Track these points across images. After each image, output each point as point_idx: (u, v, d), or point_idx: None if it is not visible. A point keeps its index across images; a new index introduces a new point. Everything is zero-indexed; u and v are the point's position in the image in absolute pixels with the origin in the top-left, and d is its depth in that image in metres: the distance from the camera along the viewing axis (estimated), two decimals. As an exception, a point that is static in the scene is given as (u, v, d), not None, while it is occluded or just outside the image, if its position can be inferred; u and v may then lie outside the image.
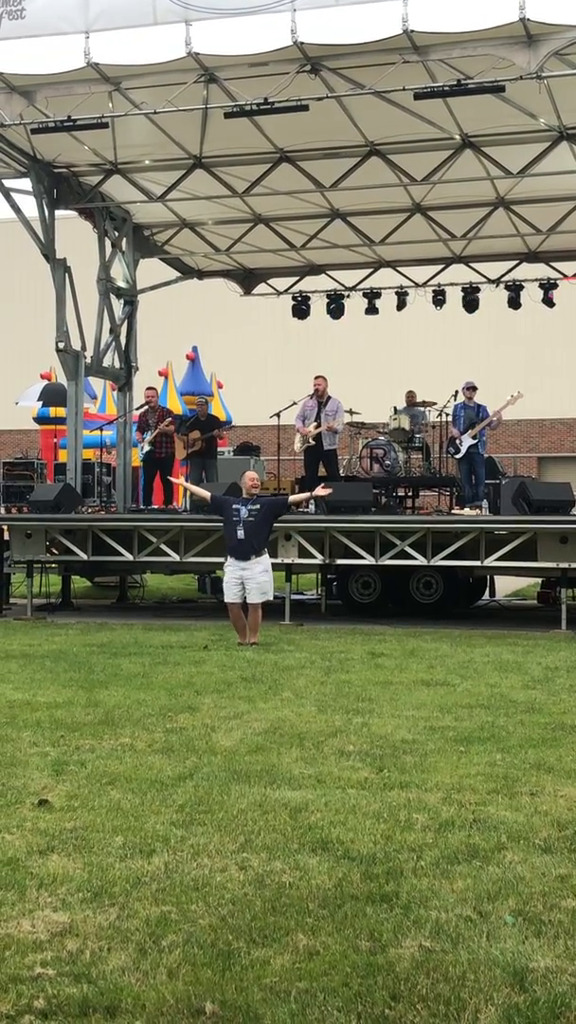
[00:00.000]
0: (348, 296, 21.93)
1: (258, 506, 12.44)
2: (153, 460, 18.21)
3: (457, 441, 17.02)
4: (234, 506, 12.46)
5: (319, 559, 15.09)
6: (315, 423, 16.79)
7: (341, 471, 17.88)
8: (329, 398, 16.95)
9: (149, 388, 18.94)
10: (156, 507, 18.16)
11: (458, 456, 17.13)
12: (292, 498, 12.90)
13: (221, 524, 12.94)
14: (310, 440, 16.85)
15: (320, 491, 13.14)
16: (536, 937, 4.01)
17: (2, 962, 3.81)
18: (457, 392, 17.46)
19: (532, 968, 3.73)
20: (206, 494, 13.31)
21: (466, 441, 16.89)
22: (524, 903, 4.31)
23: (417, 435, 18.64)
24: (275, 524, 13.16)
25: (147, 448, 17.98)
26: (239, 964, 3.78)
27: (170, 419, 18.28)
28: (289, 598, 14.88)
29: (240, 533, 12.30)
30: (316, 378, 17.09)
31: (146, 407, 18.45)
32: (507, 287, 21.18)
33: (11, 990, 3.60)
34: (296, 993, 3.56)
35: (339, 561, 15.31)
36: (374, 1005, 3.49)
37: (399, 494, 18.84)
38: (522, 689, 9.28)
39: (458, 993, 3.56)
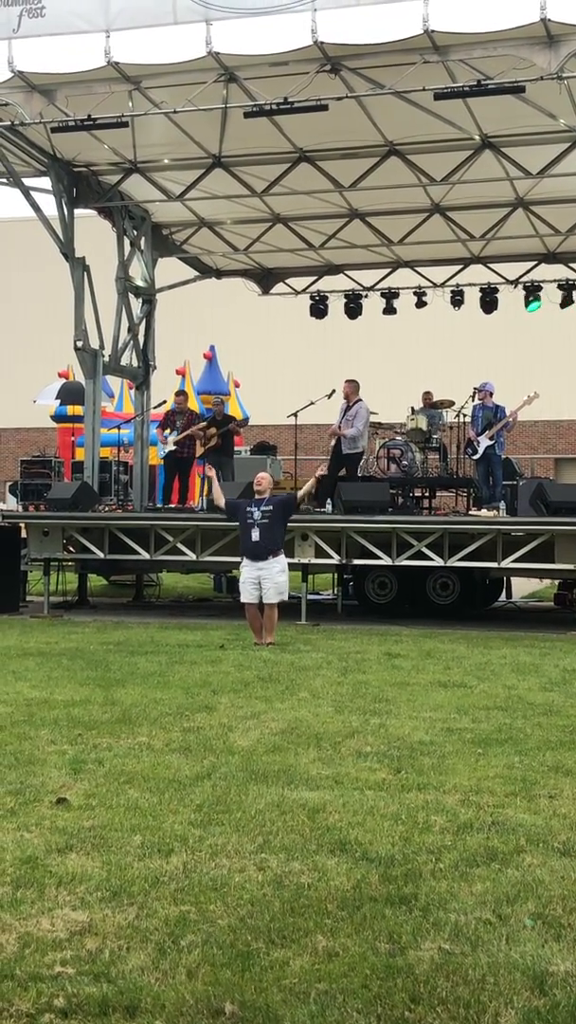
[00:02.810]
0: (366, 296, 21.92)
1: (271, 507, 12.43)
2: (175, 460, 18.29)
3: (475, 442, 16.99)
4: (248, 508, 12.47)
5: (336, 559, 15.09)
6: (336, 427, 16.98)
7: (358, 471, 17.87)
8: (357, 402, 16.96)
9: (180, 393, 19.10)
10: (173, 506, 18.19)
11: (476, 457, 17.10)
12: (299, 495, 12.90)
13: (237, 525, 12.95)
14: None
15: (313, 480, 13.20)
16: (556, 941, 3.99)
17: (22, 960, 3.82)
18: (474, 393, 17.44)
19: (552, 972, 3.72)
20: (221, 501, 13.25)
21: (483, 442, 16.85)
22: (543, 906, 4.30)
23: (434, 436, 18.61)
24: (292, 524, 13.17)
25: (171, 447, 18.03)
26: (258, 965, 3.78)
27: (206, 423, 18.31)
28: (305, 598, 14.88)
29: (255, 535, 12.31)
30: (345, 382, 17.17)
31: (175, 410, 18.55)
32: (525, 288, 21.12)
33: (31, 988, 3.61)
34: (315, 994, 3.56)
35: (356, 561, 15.32)
36: (393, 1007, 3.49)
37: (416, 494, 18.81)
38: (540, 691, 9.27)
39: (478, 996, 3.55)
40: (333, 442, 16.96)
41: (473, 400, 17.50)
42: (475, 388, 17.43)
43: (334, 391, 17.19)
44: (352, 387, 17.05)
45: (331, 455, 17.13)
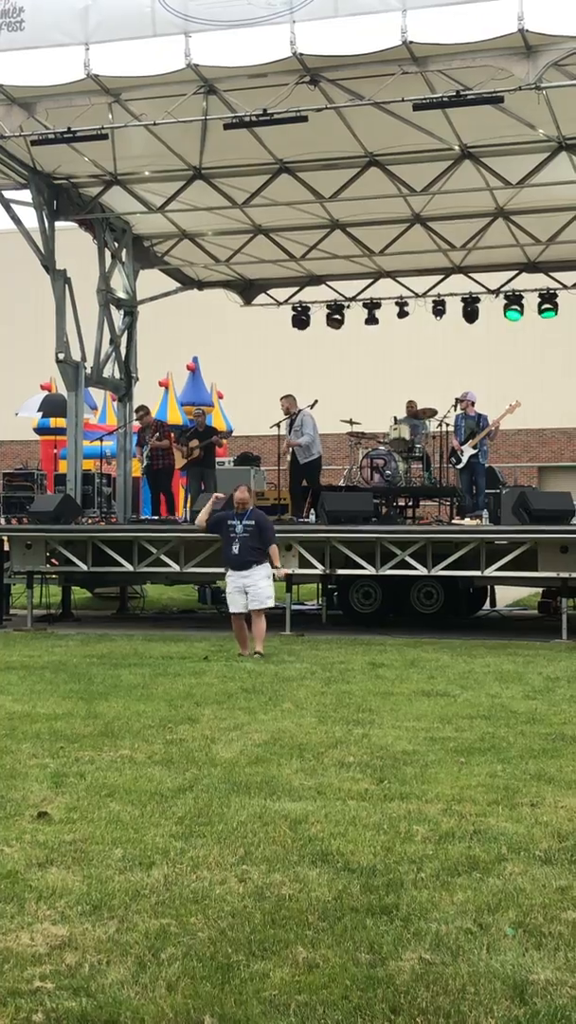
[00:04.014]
0: (348, 306, 21.96)
1: (252, 522, 12.42)
2: (153, 473, 18.67)
3: (458, 451, 17.04)
4: (229, 522, 12.46)
5: (320, 569, 15.08)
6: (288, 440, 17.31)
7: (342, 481, 17.93)
8: (299, 412, 17.15)
9: (139, 409, 19.22)
10: (156, 517, 18.22)
11: (459, 466, 17.13)
12: (272, 552, 12.61)
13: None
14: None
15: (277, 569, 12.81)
16: (536, 949, 3.99)
17: (1, 975, 3.80)
18: (456, 402, 17.49)
19: (532, 980, 3.72)
20: (203, 517, 13.17)
21: (467, 451, 16.91)
22: (524, 915, 4.30)
23: (417, 445, 18.65)
24: (275, 534, 13.13)
25: (145, 463, 18.40)
26: (238, 977, 3.77)
27: (158, 435, 18.58)
28: (290, 608, 14.86)
29: (236, 548, 12.31)
30: (280, 399, 17.38)
31: (141, 426, 18.82)
32: (507, 297, 21.19)
33: (10, 1004, 3.59)
34: (295, 1006, 3.55)
35: (340, 571, 15.30)
36: (374, 1018, 3.48)
37: (399, 504, 18.84)
38: (523, 699, 9.27)
39: (458, 1006, 3.55)
40: (288, 456, 17.13)
41: (455, 409, 17.55)
42: (456, 398, 17.48)
43: (316, 401, 17.25)
44: (289, 401, 17.41)
45: (289, 469, 17.27)
